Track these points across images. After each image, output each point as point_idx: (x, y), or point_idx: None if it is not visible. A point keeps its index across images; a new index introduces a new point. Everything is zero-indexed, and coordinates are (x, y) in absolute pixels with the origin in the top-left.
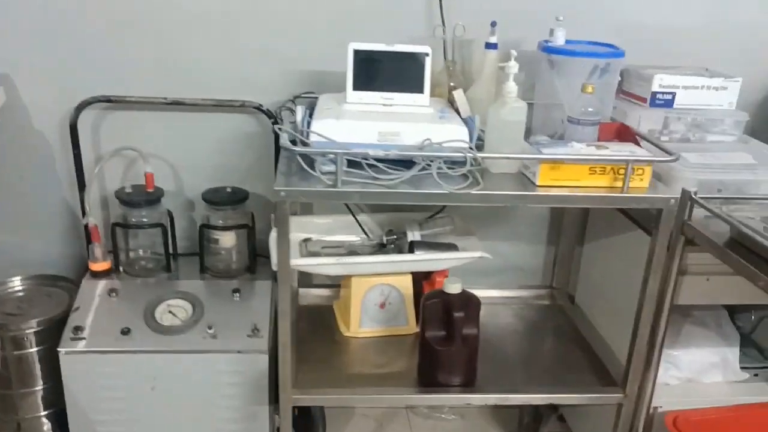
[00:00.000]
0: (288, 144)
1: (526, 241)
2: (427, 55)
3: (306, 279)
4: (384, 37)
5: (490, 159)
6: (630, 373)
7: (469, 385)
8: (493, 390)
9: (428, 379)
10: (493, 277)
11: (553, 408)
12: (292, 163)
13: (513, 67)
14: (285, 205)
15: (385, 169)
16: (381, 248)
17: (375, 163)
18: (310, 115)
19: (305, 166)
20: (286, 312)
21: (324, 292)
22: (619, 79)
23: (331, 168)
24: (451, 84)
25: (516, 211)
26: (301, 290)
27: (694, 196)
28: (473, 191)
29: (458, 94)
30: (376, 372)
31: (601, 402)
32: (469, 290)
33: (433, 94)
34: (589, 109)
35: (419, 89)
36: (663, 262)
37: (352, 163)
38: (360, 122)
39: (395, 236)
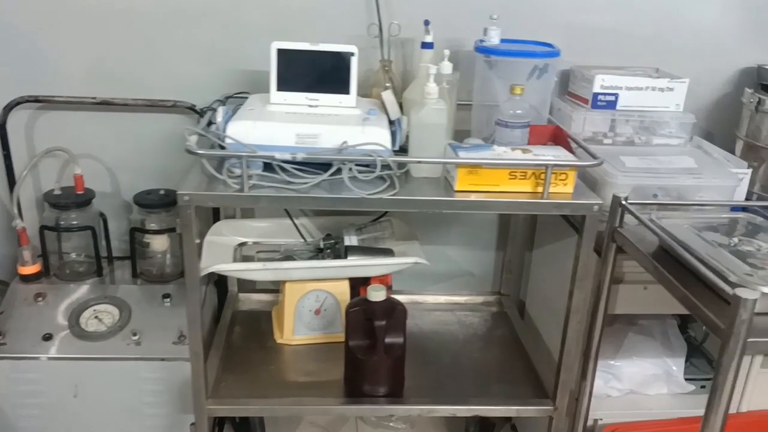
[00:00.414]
0: (192, 147)
1: (476, 246)
2: (352, 54)
3: (248, 284)
4: (323, 35)
5: (413, 163)
6: (559, 385)
7: (395, 395)
8: (419, 401)
9: (353, 388)
10: (444, 283)
11: (506, 417)
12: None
13: (433, 68)
14: (189, 210)
15: (295, 171)
16: (319, 253)
17: (286, 166)
18: None
19: (211, 170)
20: (195, 321)
21: (266, 297)
22: (556, 79)
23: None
24: (387, 84)
25: (465, 216)
26: (242, 295)
27: (623, 202)
28: (386, 196)
29: (386, 95)
30: (303, 381)
31: (530, 415)
32: (395, 297)
33: (370, 95)
34: (518, 111)
35: (345, 90)
36: (593, 271)
37: (270, 167)
38: (277, 124)
39: (333, 240)
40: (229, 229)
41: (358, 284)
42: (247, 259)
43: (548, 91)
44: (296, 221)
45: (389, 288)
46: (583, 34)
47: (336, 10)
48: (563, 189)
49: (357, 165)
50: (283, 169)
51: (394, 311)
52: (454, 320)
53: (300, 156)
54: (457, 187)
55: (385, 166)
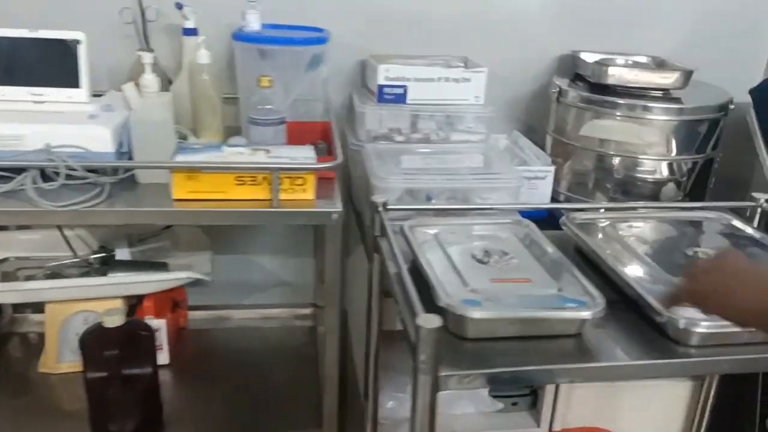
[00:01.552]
0: None
1: (292, 253)
2: (78, 42)
3: (28, 303)
4: (91, 22)
5: (138, 168)
6: (324, 408)
7: None
8: None
9: (99, 427)
10: (259, 295)
11: None
12: None
13: (148, 56)
14: None
15: None
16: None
17: None
18: None
19: None
20: None
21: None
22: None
23: None
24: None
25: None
26: (18, 315)
27: (380, 209)
28: (80, 208)
29: (128, 88)
30: (54, 416)
31: None
32: (142, 321)
33: None
34: (267, 107)
35: (74, 83)
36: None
37: None
38: None
39: (104, 254)
40: None
41: (135, 304)
42: (6, 277)
43: (321, 84)
44: (71, 232)
45: (178, 305)
46: (387, 21)
47: None
48: (302, 195)
49: (70, 170)
50: None
51: (136, 338)
52: (257, 338)
53: None
54: (174, 195)
55: (72, 170)
